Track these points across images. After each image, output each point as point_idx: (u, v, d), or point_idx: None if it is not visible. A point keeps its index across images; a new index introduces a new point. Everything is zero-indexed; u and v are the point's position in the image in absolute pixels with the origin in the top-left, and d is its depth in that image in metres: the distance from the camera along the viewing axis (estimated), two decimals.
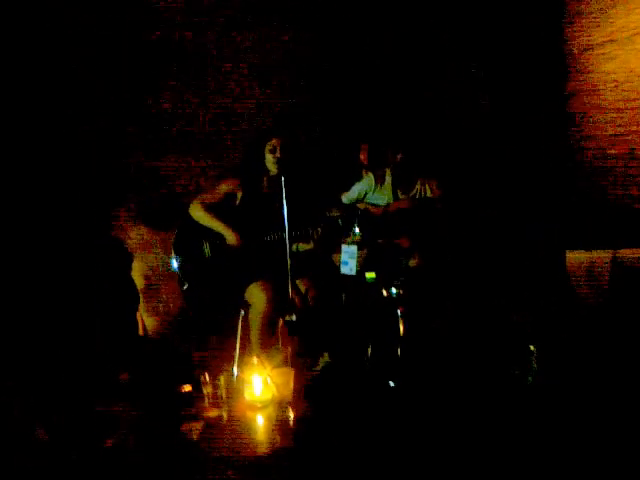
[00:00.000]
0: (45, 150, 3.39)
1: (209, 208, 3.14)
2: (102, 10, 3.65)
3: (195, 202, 3.17)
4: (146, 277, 3.66)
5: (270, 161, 3.14)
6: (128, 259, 3.08)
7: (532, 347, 2.92)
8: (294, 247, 3.15)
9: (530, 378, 2.87)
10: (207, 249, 3.15)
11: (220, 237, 3.13)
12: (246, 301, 3.08)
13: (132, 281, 3.02)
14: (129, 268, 2.98)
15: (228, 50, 3.97)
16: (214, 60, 3.95)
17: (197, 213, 3.14)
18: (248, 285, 3.06)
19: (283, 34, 4.03)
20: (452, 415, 2.59)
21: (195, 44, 3.90)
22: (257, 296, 3.01)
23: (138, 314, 3.41)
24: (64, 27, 3.54)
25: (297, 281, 3.12)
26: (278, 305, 2.99)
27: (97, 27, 3.63)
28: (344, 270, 3.19)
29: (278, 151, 3.11)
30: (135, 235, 3.69)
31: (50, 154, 3.40)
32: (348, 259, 3.18)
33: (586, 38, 3.90)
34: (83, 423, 2.50)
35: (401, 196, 3.60)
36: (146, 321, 3.61)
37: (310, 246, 3.18)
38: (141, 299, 3.48)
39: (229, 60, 3.97)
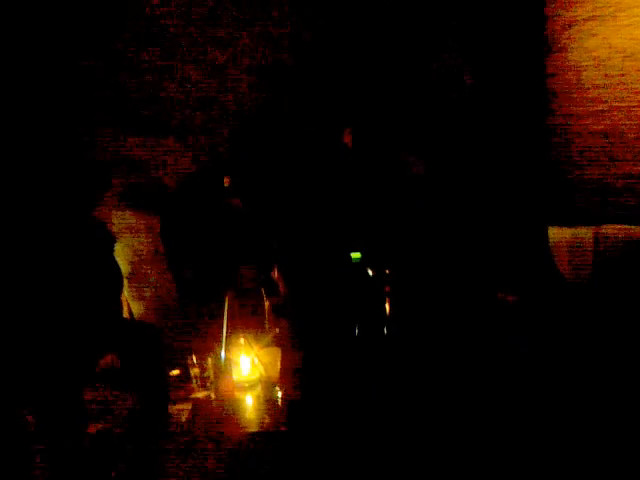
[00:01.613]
0: (26, 136, 3.34)
1: None
2: None
3: None
4: (131, 262, 3.63)
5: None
6: (111, 243, 3.04)
7: (519, 327, 2.95)
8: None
9: (517, 358, 2.90)
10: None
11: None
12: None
13: (117, 265, 2.99)
14: (112, 251, 2.95)
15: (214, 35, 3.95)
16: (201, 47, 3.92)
17: None
18: (239, 266, 3.05)
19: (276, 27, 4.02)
20: (441, 396, 2.61)
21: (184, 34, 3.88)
22: None
23: (123, 298, 3.39)
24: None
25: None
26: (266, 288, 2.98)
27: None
28: None
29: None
30: (119, 220, 3.65)
31: (31, 140, 3.34)
32: None
33: (568, 15, 3.89)
34: (70, 409, 2.48)
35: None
36: (132, 306, 3.58)
37: None
38: (125, 284, 3.45)
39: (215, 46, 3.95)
